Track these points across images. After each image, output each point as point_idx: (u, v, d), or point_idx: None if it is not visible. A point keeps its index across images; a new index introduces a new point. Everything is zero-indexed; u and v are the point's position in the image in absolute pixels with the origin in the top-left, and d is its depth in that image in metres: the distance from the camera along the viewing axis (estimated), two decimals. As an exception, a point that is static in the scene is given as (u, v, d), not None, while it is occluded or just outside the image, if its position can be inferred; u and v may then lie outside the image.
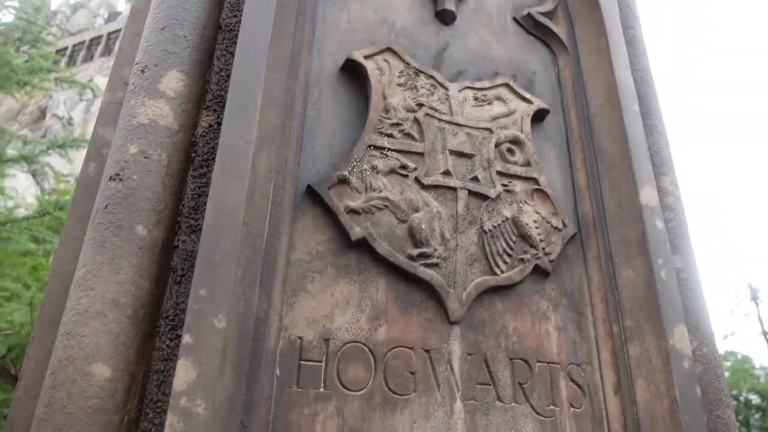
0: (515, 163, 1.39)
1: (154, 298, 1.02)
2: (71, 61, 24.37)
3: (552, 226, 1.36)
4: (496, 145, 1.38)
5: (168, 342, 0.99)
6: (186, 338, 0.91)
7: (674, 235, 1.45)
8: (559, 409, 1.19)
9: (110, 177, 1.05)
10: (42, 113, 19.59)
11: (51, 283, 1.11)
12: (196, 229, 1.09)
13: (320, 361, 1.07)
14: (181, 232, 1.09)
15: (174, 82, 1.16)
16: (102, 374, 0.90)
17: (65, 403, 0.87)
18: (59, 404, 0.87)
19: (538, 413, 1.17)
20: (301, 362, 1.05)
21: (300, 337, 1.07)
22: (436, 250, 1.21)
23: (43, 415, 0.87)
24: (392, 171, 1.26)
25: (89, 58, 24.71)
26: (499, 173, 1.35)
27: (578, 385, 1.23)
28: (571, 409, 1.20)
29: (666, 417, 1.17)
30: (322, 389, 1.05)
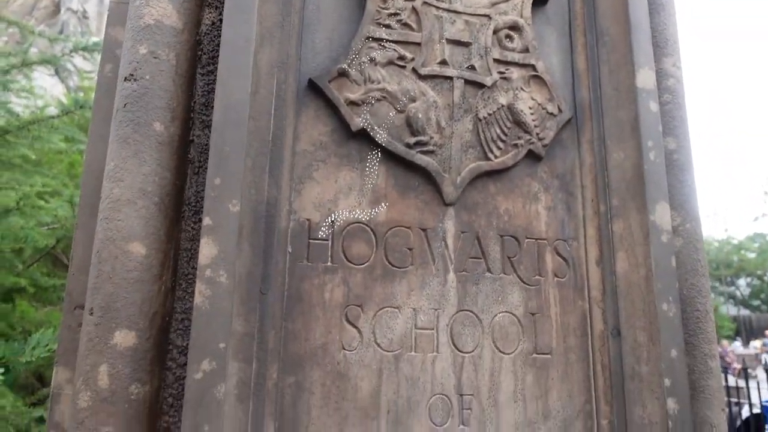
0: (513, 50, 1.41)
1: (177, 188, 1.14)
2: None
3: (547, 112, 1.41)
4: (494, 32, 1.40)
5: (192, 225, 1.14)
6: (206, 220, 1.05)
7: (670, 117, 1.48)
8: (544, 279, 1.33)
9: (125, 78, 1.13)
10: (56, 7, 19.14)
11: (84, 177, 1.24)
12: (208, 124, 1.18)
13: (327, 240, 1.20)
14: (195, 127, 1.19)
15: (174, -20, 1.19)
16: (138, 252, 1.05)
17: (111, 275, 1.04)
18: (106, 276, 1.04)
19: (524, 282, 1.32)
20: (310, 241, 1.19)
21: (308, 219, 1.21)
22: (432, 138, 1.29)
23: (94, 285, 1.04)
24: (390, 62, 1.30)
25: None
26: (496, 60, 1.38)
27: (563, 258, 1.36)
28: (555, 278, 1.34)
29: (641, 284, 1.30)
30: (329, 263, 1.19)
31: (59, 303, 6.19)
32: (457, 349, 1.23)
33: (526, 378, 1.26)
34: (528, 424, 1.24)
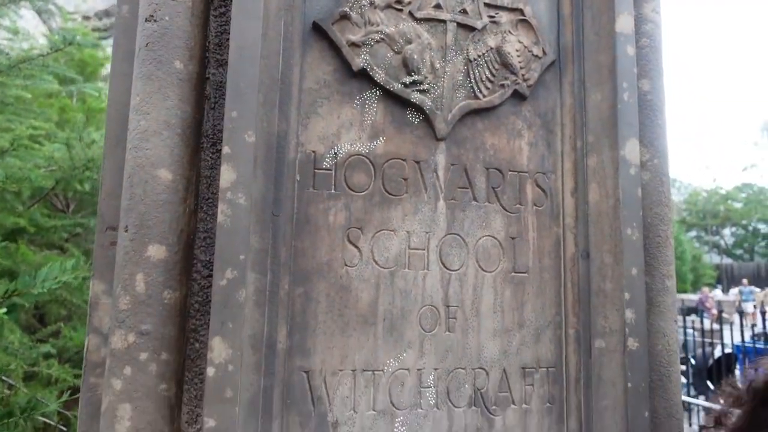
0: (502, -5, 1.51)
1: (196, 121, 1.27)
2: None
3: (533, 54, 1.52)
4: (486, -22, 1.49)
5: (211, 155, 1.27)
6: (225, 149, 1.18)
7: (646, 61, 1.61)
8: (524, 207, 1.49)
9: (146, 18, 1.23)
10: (33, -58, 18.26)
11: (109, 110, 1.36)
12: (222, 63, 1.30)
13: (331, 170, 1.34)
14: (210, 65, 1.30)
15: (187, -76, 1.27)
16: (165, 177, 1.19)
17: (142, 197, 1.18)
18: (138, 198, 1.18)
19: (506, 210, 1.47)
20: (316, 170, 1.33)
21: (314, 151, 1.34)
22: (426, 78, 1.41)
23: (127, 206, 1.19)
24: (388, 5, 1.41)
25: None
26: (486, 5, 1.49)
27: (542, 189, 1.51)
28: (534, 207, 1.50)
29: (609, 212, 1.46)
30: (333, 191, 1.34)
31: (59, 244, 6.34)
32: (445, 267, 1.40)
33: (505, 293, 1.44)
34: (505, 331, 1.43)
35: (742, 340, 5.55)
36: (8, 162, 5.01)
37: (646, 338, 1.42)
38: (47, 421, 4.97)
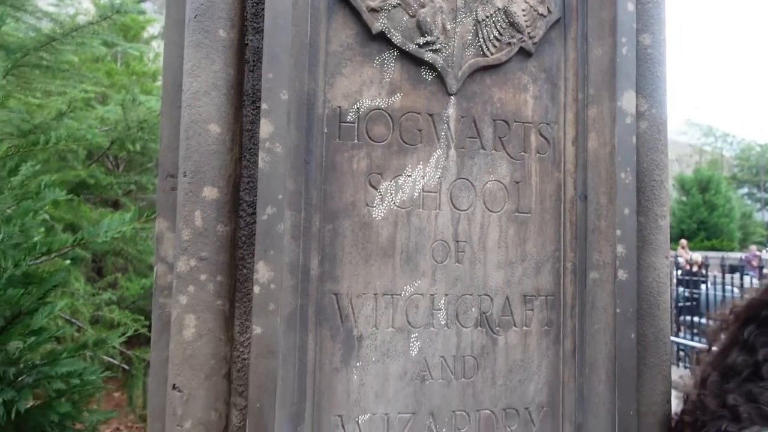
0: (510, -41, 1.63)
1: (238, 82, 1.48)
2: None
3: (538, 13, 1.66)
4: (494, -57, 1.62)
5: (251, 111, 1.49)
6: (264, 106, 1.39)
7: (648, 16, 1.71)
8: (528, 155, 1.66)
9: (194, -7, 1.44)
10: None
11: (165, 74, 1.58)
12: (258, 30, 1.49)
13: (354, 123, 1.54)
14: (248, 33, 1.50)
15: None
16: (215, 130, 1.42)
17: (197, 148, 1.41)
18: (194, 149, 1.41)
19: (511, 157, 1.65)
20: (341, 124, 1.54)
21: (339, 107, 1.54)
22: (438, 38, 1.58)
23: (185, 155, 1.42)
24: (404, -27, 1.56)
25: None
26: (495, -31, 1.62)
27: (545, 138, 1.67)
28: (537, 155, 1.67)
29: (606, 158, 1.62)
30: (356, 141, 1.54)
31: (113, 201, 6.82)
32: (455, 208, 1.60)
33: (509, 231, 1.63)
34: (508, 263, 1.63)
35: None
36: (66, 123, 5.40)
37: (635, 270, 1.59)
38: (111, 360, 5.51)
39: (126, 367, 5.59)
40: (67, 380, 3.14)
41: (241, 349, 1.45)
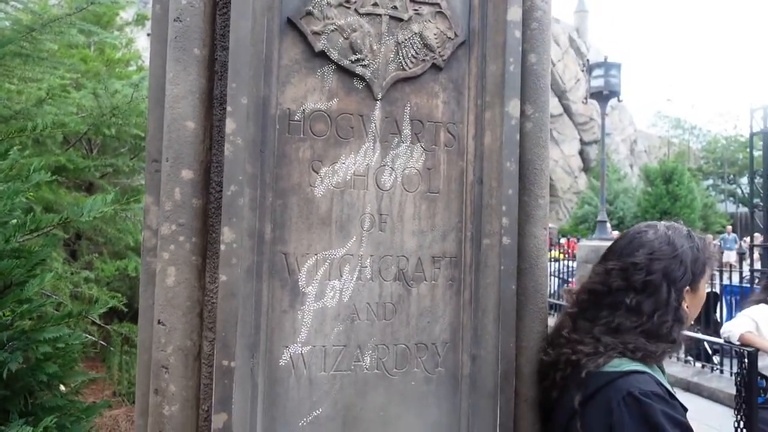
0: (425, -6, 2.09)
1: (208, 89, 1.91)
2: None
3: (447, 36, 2.12)
4: (412, -19, 2.07)
5: (219, 111, 1.92)
6: (228, 108, 1.83)
7: (536, 39, 2.19)
8: (438, 148, 2.13)
9: (174, 19, 1.85)
10: None
11: (150, 81, 2.00)
12: (225, 48, 1.92)
13: (300, 121, 1.99)
14: (217, 50, 1.93)
15: (199, -48, 1.86)
16: (191, 126, 1.85)
17: (177, 139, 1.84)
18: (174, 139, 1.84)
19: (425, 149, 2.12)
20: (290, 122, 1.98)
21: (288, 108, 1.98)
22: (367, 56, 2.03)
23: (167, 145, 1.85)
24: (340, 4, 2.00)
25: None
26: (412, 1, 2.07)
27: (452, 135, 2.15)
28: (445, 147, 2.14)
29: (497, 151, 2.10)
30: (302, 135, 1.99)
31: (86, 185, 7.09)
32: (379, 188, 2.06)
33: (422, 207, 2.11)
34: (421, 232, 2.10)
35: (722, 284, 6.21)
36: (46, 109, 5.72)
37: (516, 237, 2.08)
38: (90, 336, 5.86)
39: (104, 343, 5.95)
40: (54, 344, 3.53)
41: (210, 295, 1.89)
